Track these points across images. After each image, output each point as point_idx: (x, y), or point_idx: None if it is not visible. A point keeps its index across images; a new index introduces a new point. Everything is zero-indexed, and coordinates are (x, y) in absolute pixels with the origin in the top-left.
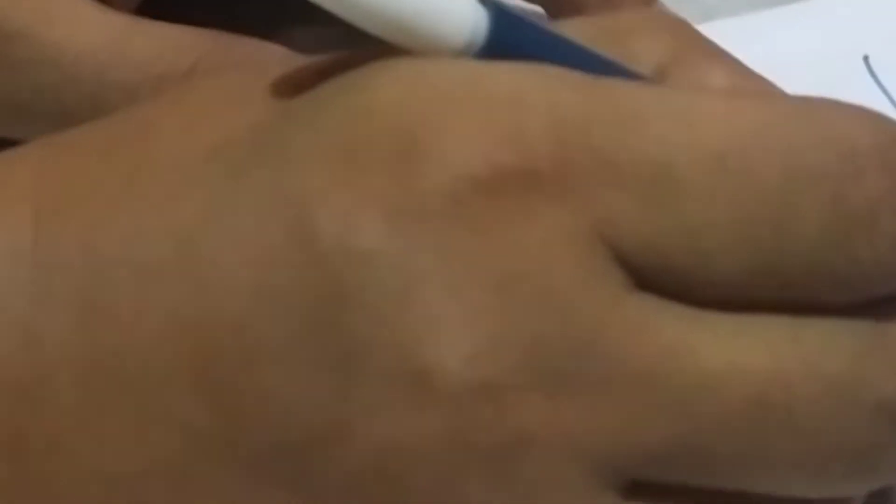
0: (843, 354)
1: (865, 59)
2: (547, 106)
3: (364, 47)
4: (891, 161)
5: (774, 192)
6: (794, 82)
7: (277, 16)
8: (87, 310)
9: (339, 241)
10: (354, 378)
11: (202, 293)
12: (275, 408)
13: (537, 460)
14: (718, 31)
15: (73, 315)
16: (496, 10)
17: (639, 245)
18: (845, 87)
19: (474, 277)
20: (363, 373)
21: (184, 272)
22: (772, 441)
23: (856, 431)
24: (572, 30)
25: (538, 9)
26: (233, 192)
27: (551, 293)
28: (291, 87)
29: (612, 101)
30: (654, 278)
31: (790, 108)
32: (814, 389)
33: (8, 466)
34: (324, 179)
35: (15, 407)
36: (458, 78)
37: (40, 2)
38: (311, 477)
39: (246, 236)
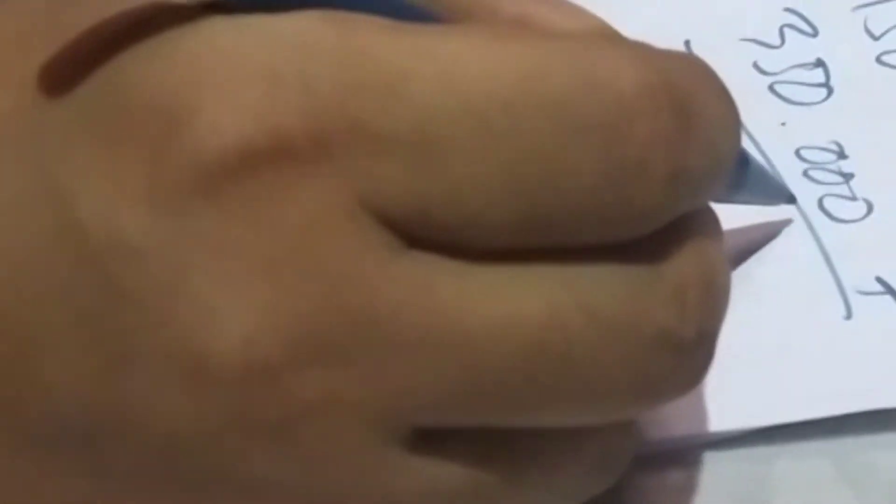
0: (618, 294)
1: (686, 43)
2: (301, 77)
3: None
4: (659, 103)
5: (542, 147)
6: None
7: None
8: None
9: (104, 237)
10: (131, 371)
11: None
12: (56, 403)
13: (319, 430)
14: None
15: None
16: None
17: (405, 208)
18: None
19: (239, 261)
20: (140, 365)
21: None
22: (553, 382)
23: (638, 363)
24: None
25: None
26: None
27: (318, 267)
28: (48, 72)
29: (370, 65)
30: (424, 237)
31: (555, 56)
32: (591, 330)
33: None
34: (82, 169)
35: None
36: (208, 54)
37: None
38: (99, 463)
39: (11, 232)
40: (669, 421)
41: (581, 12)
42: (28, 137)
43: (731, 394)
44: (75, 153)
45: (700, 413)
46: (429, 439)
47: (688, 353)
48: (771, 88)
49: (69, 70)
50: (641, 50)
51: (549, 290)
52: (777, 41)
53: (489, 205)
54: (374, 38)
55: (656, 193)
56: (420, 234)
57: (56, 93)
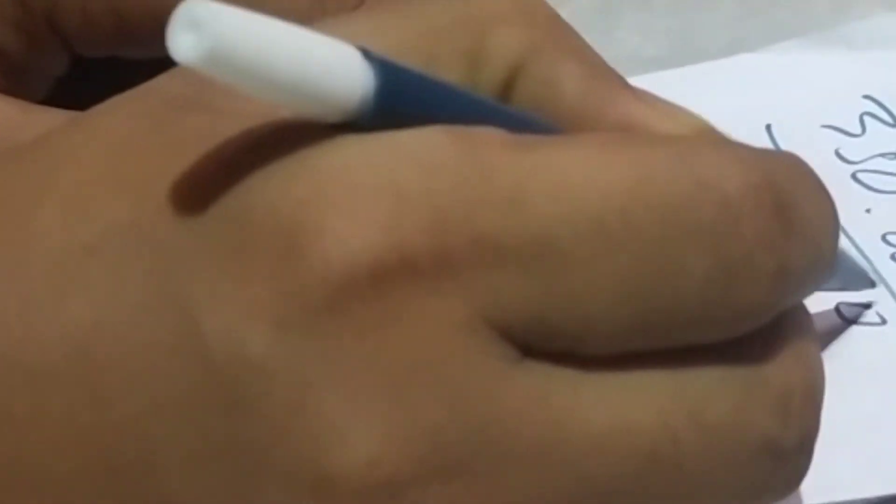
0: (725, 401)
1: (768, 127)
2: (422, 191)
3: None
4: (762, 202)
5: (655, 250)
6: None
7: None
8: None
9: (229, 354)
10: (255, 487)
11: (98, 401)
12: None
13: None
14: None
15: None
16: (383, 66)
17: (524, 318)
18: None
19: (364, 379)
20: (267, 481)
21: (78, 378)
22: (663, 491)
23: (743, 471)
24: (424, 16)
25: None
26: (116, 294)
27: (440, 384)
28: (173, 187)
29: (490, 180)
30: (540, 344)
31: (663, 161)
32: (700, 439)
33: None
34: (208, 285)
35: None
36: (334, 171)
37: None
38: None
39: (135, 344)
40: None
41: (681, 111)
42: (149, 250)
43: (828, 466)
44: (200, 267)
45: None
46: None
47: (790, 459)
48: (854, 177)
49: (201, 187)
50: (743, 150)
51: (659, 399)
52: (858, 129)
53: (606, 310)
54: (493, 152)
55: (762, 291)
56: (535, 343)
57: (191, 210)
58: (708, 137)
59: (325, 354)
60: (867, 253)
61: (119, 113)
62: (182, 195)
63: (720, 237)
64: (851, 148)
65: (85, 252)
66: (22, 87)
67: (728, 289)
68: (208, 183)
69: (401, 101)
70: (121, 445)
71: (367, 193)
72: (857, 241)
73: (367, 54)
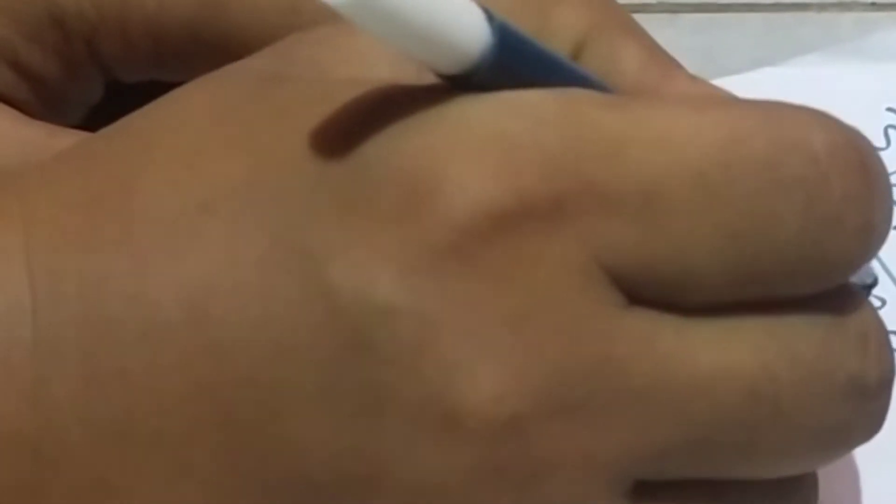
0: (814, 341)
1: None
2: (534, 141)
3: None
4: (849, 160)
5: (752, 203)
6: None
7: None
8: (96, 370)
9: (355, 297)
10: (382, 426)
11: (216, 354)
12: (302, 458)
13: (561, 482)
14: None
15: (82, 375)
16: (502, 26)
17: (632, 265)
18: None
19: (488, 318)
20: (390, 420)
21: (194, 332)
22: (763, 430)
23: (833, 408)
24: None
25: None
26: (233, 248)
27: (559, 324)
28: (288, 145)
29: (595, 132)
30: (645, 293)
31: (754, 119)
32: (795, 376)
33: None
34: (332, 234)
35: (29, 464)
36: (450, 124)
37: None
38: None
39: (254, 295)
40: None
41: (730, 94)
42: (266, 205)
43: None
44: (322, 219)
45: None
46: (643, 493)
47: (872, 398)
48: None
49: (318, 144)
50: (822, 114)
51: (757, 341)
52: (882, 142)
53: (707, 259)
54: (595, 109)
55: (850, 246)
56: (643, 290)
57: (309, 166)
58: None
59: (450, 296)
60: (891, 269)
61: (211, 87)
62: (298, 152)
63: (812, 193)
64: None
65: (199, 210)
66: (58, 114)
67: (819, 243)
68: (325, 140)
69: (513, 59)
70: (240, 396)
71: (484, 143)
72: (884, 258)
73: (489, 14)
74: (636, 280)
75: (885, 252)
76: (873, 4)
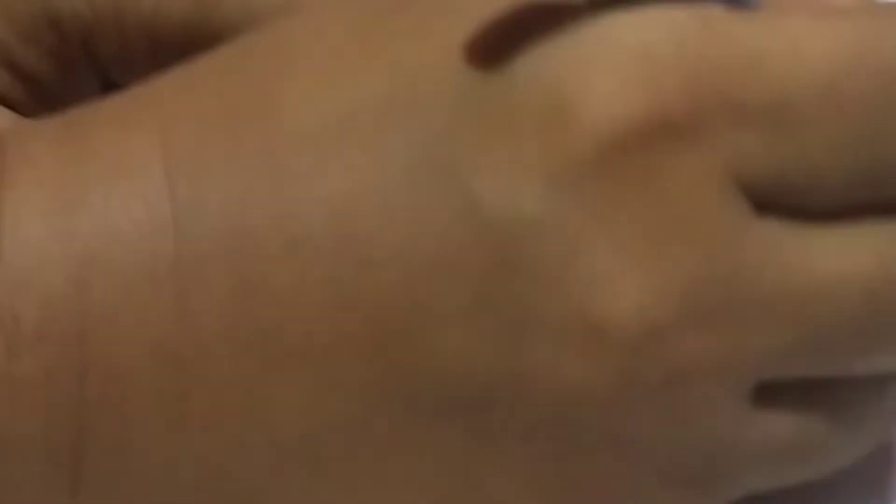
0: None
1: None
2: (674, 56)
3: None
4: None
5: (880, 109)
6: None
7: None
8: (241, 283)
9: (501, 211)
10: (529, 337)
11: (363, 269)
12: (451, 368)
13: (695, 389)
14: None
15: (226, 288)
16: None
17: (762, 174)
18: None
19: (630, 231)
20: (537, 331)
21: (340, 248)
22: (881, 329)
23: None
24: None
25: None
26: (378, 163)
27: (698, 234)
28: (429, 60)
29: (730, 43)
30: (773, 200)
31: (880, 28)
32: None
33: (174, 435)
34: (478, 148)
35: (176, 378)
36: (591, 39)
37: None
38: (490, 425)
39: (401, 209)
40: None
41: None
42: (408, 120)
43: None
44: (466, 133)
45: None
46: (764, 394)
47: None
48: None
49: (478, 57)
50: None
51: (876, 245)
52: None
53: (835, 164)
54: (729, 22)
55: None
56: (770, 199)
57: (451, 81)
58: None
59: (594, 209)
60: None
61: (339, 8)
62: (440, 66)
63: None
64: None
65: (340, 124)
66: (53, 114)
67: None
68: (469, 54)
69: None
70: (388, 309)
71: (625, 57)
72: None
73: None
74: (765, 188)
75: None
76: None
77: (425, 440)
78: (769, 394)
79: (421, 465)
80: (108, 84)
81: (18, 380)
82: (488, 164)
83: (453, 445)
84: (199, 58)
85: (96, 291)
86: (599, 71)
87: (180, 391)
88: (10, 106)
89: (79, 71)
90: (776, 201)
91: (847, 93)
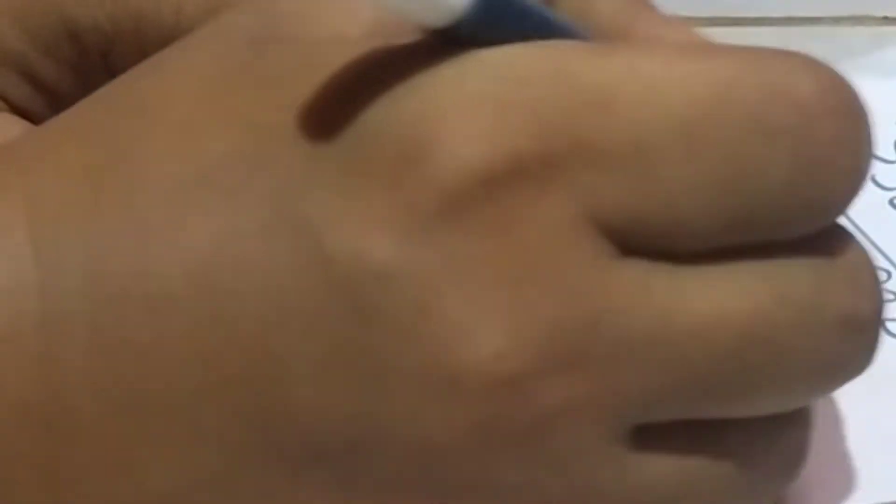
0: (806, 282)
1: None
2: (525, 103)
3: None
4: (835, 105)
5: (739, 151)
6: None
7: None
8: (103, 340)
9: (352, 264)
10: (385, 389)
11: (220, 323)
12: (309, 422)
13: (563, 434)
14: None
15: (89, 345)
16: None
17: (623, 217)
18: None
19: (483, 278)
20: (394, 382)
21: (198, 302)
22: (757, 370)
23: (826, 345)
24: None
25: None
26: (234, 219)
27: (557, 280)
28: (282, 115)
29: (582, 86)
30: (638, 243)
31: (741, 65)
32: (788, 316)
33: (43, 495)
34: (330, 202)
35: (42, 437)
36: (438, 88)
37: None
38: (351, 479)
39: (256, 265)
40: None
41: (693, 30)
42: (264, 175)
43: (882, 466)
44: (317, 187)
45: (850, 484)
46: (642, 437)
47: (864, 332)
48: (892, 203)
49: (312, 113)
50: (808, 58)
51: (750, 285)
52: (893, 156)
53: (698, 207)
54: (582, 61)
55: (839, 188)
56: (634, 241)
57: (303, 135)
58: (768, 48)
59: (445, 258)
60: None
61: (202, 53)
62: (292, 122)
63: (799, 138)
64: (887, 174)
65: (199, 181)
66: None
67: (808, 186)
68: (318, 108)
69: (499, 9)
70: (246, 362)
71: (473, 105)
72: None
73: None
74: (628, 231)
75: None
76: (885, 18)
77: (290, 492)
78: (652, 436)
79: None
80: None
81: None
82: (340, 217)
83: (318, 496)
84: (61, 115)
85: None
86: (447, 119)
87: (47, 450)
88: (30, 118)
89: (98, 83)
90: (642, 242)
91: (705, 134)
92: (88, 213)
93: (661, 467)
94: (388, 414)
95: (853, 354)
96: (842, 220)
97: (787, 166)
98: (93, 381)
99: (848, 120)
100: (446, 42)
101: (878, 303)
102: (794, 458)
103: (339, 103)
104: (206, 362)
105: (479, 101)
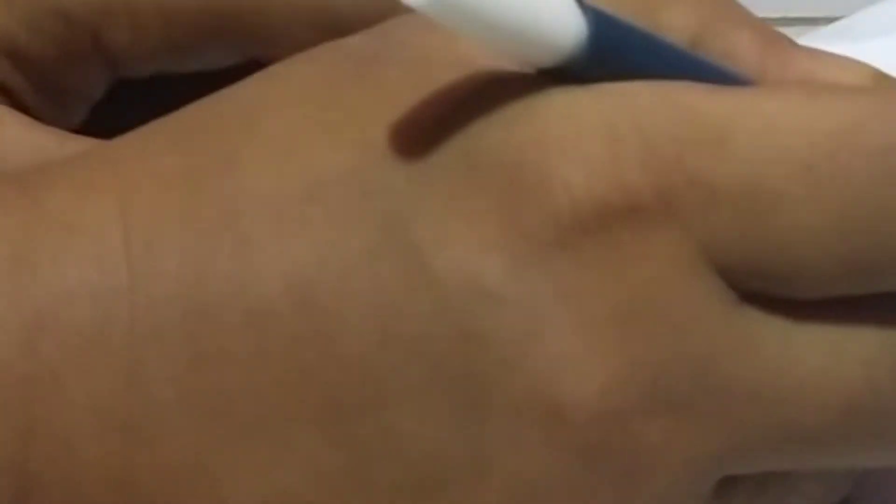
0: None
1: None
2: (640, 137)
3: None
4: None
5: (862, 195)
6: None
7: None
8: (197, 349)
9: (463, 288)
10: (487, 419)
11: (322, 341)
12: (405, 449)
13: (659, 478)
14: None
15: (183, 358)
16: (596, 15)
17: (738, 259)
18: None
19: (595, 313)
20: (496, 413)
21: (301, 318)
22: (860, 436)
23: None
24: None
25: None
26: (340, 237)
27: (668, 320)
28: (392, 134)
29: (699, 120)
30: (753, 286)
31: (864, 107)
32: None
33: (111, 498)
34: (439, 225)
35: (124, 446)
36: (550, 115)
37: None
38: None
39: (361, 284)
40: None
41: (852, 61)
42: (371, 196)
43: None
44: (427, 210)
45: None
46: (720, 486)
47: None
48: None
49: (422, 134)
50: None
51: (867, 354)
52: None
53: (816, 252)
54: (699, 96)
55: None
56: (749, 283)
57: (413, 156)
58: (886, 84)
59: (557, 288)
60: None
61: (310, 67)
62: (402, 142)
63: None
64: None
65: (304, 198)
66: (58, 108)
67: None
68: (429, 129)
69: (613, 48)
70: (346, 382)
71: (585, 135)
72: None
73: (581, 2)
74: (743, 273)
75: None
76: None
77: None
78: (726, 486)
79: None
80: (116, 83)
81: None
82: (450, 241)
83: None
84: (161, 119)
85: (44, 355)
86: (559, 147)
87: (128, 459)
88: (12, 97)
89: (87, 61)
90: (758, 286)
91: (827, 176)
92: (185, 219)
93: None
94: (488, 442)
95: None
96: None
97: None
98: (183, 393)
99: None
100: (558, 78)
101: None
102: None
103: (452, 123)
104: (303, 379)
105: (592, 131)
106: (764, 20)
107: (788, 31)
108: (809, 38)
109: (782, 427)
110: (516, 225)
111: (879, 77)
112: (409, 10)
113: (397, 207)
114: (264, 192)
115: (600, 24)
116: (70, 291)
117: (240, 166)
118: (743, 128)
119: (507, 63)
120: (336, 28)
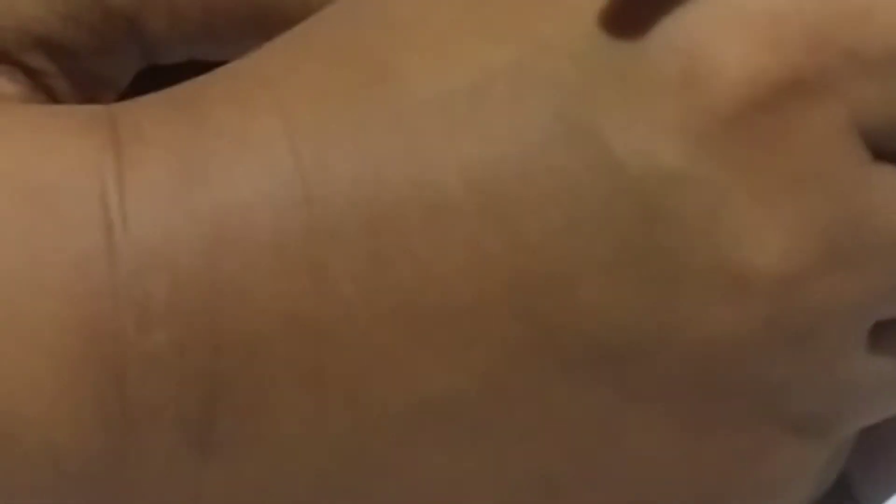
0: None
1: None
2: (800, 16)
3: None
4: None
5: None
6: None
7: None
8: (379, 251)
9: (643, 167)
10: (674, 288)
11: (504, 231)
12: (594, 321)
13: (832, 332)
14: None
15: (364, 257)
16: None
17: (881, 122)
18: None
19: (768, 183)
20: (683, 282)
21: (481, 208)
22: None
23: None
24: None
25: None
26: (514, 130)
27: (832, 184)
28: (554, 28)
29: (846, 1)
30: (886, 148)
31: None
32: None
33: (311, 404)
34: (615, 110)
35: (313, 348)
36: (717, 2)
37: None
38: (633, 377)
39: (542, 172)
40: None
41: None
42: (539, 87)
43: None
44: (601, 96)
45: None
46: (870, 334)
47: None
48: None
49: (585, 26)
50: None
51: None
52: None
53: None
54: None
55: None
56: (885, 145)
57: (580, 47)
58: None
59: (736, 163)
60: None
61: None
62: (567, 34)
63: None
64: None
65: (469, 93)
66: (87, 95)
67: None
68: (596, 21)
69: None
70: (532, 265)
71: (755, 18)
72: None
73: None
74: (883, 136)
75: None
76: None
77: (567, 396)
78: (874, 333)
79: (560, 420)
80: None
81: (149, 354)
82: (626, 123)
83: (596, 400)
84: (295, 33)
85: (227, 266)
86: (730, 34)
87: (317, 360)
88: (42, 84)
89: (121, 50)
90: (892, 146)
91: None
92: (352, 126)
93: (886, 362)
94: (674, 313)
95: None
96: None
97: None
98: (366, 290)
99: None
100: None
101: None
102: None
103: (618, 15)
104: (487, 267)
105: (758, 14)
106: None
107: None
108: None
109: None
110: (693, 106)
111: None
112: None
113: (569, 96)
114: (429, 93)
115: None
116: (246, 203)
117: (399, 72)
118: (880, 3)
119: None
120: None
